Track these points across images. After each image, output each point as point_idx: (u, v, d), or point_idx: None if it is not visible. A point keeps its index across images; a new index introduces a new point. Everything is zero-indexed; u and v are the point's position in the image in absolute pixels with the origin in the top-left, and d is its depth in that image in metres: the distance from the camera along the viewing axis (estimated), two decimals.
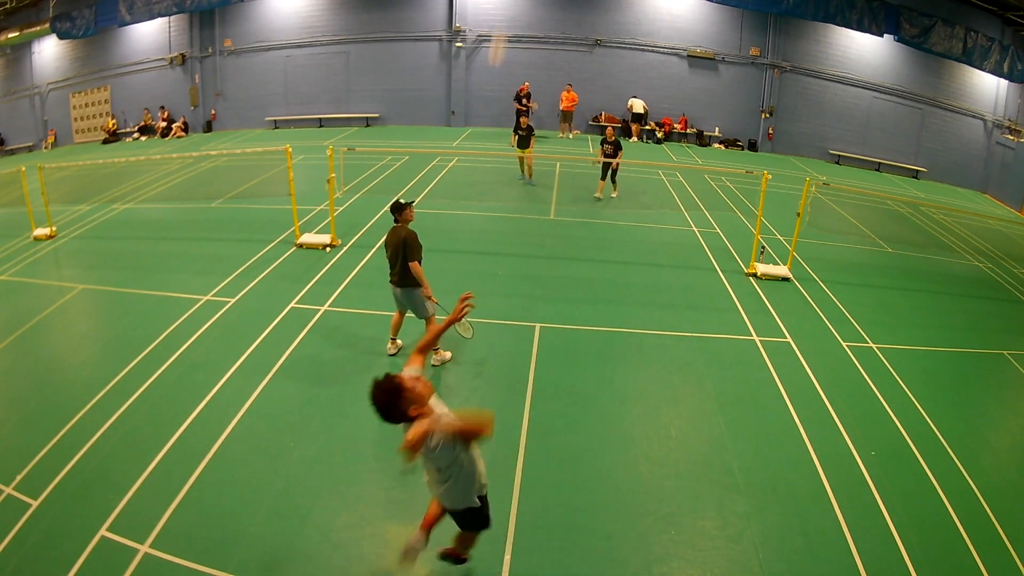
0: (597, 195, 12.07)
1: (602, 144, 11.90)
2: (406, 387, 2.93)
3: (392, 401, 2.91)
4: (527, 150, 12.52)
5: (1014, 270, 10.39)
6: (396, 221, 5.96)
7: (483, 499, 3.38)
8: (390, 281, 6.01)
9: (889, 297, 8.50)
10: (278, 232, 9.44)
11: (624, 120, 19.26)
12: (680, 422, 5.39)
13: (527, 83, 17.77)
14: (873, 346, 6.92)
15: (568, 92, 18.10)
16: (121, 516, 4.13)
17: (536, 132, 13.33)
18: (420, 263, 5.79)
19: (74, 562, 3.77)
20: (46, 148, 21.02)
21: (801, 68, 18.69)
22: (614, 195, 12.17)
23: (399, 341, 6.33)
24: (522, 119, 12.71)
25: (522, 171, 12.93)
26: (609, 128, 12.22)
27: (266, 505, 4.27)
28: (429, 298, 5.90)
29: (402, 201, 5.95)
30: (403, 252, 5.76)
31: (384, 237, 6.03)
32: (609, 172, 11.88)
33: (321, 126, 19.92)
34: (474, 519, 3.42)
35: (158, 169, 14.08)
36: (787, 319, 7.36)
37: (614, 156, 11.52)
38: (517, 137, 12.71)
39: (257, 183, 12.63)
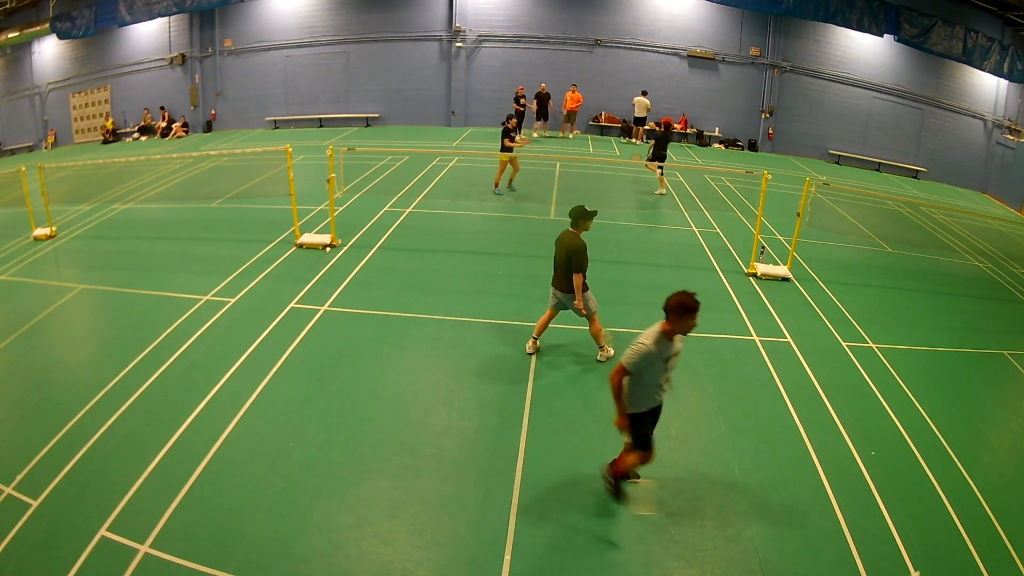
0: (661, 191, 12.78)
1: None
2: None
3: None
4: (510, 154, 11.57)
5: (1014, 270, 10.38)
6: (573, 227, 5.87)
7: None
8: (552, 284, 6.00)
9: (889, 297, 8.50)
10: (278, 232, 9.44)
11: (624, 120, 19.26)
12: (680, 422, 5.39)
13: (544, 84, 17.94)
14: (873, 346, 6.92)
15: (573, 92, 18.11)
16: (121, 516, 4.12)
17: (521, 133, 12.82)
18: (584, 276, 5.79)
19: (74, 562, 3.77)
20: (46, 148, 21.04)
21: (801, 68, 18.69)
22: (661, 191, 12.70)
23: (539, 342, 6.29)
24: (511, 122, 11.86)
25: (497, 183, 11.94)
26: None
27: (266, 505, 4.26)
28: (579, 310, 5.85)
29: (588, 209, 5.84)
30: (568, 261, 5.75)
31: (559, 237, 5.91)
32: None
33: (321, 126, 19.93)
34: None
35: (158, 169, 14.08)
36: (787, 319, 7.37)
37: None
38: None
39: (257, 183, 12.63)
